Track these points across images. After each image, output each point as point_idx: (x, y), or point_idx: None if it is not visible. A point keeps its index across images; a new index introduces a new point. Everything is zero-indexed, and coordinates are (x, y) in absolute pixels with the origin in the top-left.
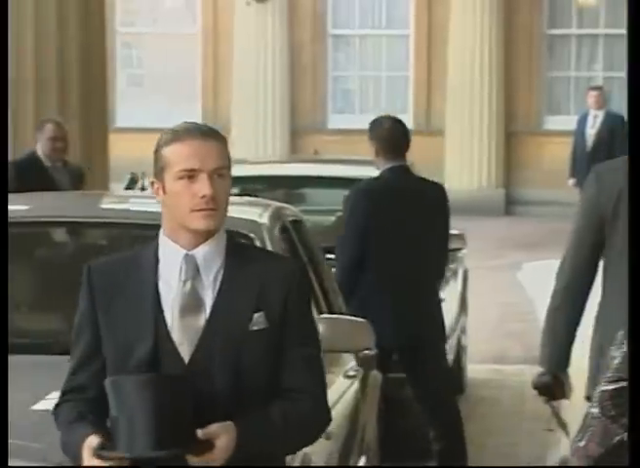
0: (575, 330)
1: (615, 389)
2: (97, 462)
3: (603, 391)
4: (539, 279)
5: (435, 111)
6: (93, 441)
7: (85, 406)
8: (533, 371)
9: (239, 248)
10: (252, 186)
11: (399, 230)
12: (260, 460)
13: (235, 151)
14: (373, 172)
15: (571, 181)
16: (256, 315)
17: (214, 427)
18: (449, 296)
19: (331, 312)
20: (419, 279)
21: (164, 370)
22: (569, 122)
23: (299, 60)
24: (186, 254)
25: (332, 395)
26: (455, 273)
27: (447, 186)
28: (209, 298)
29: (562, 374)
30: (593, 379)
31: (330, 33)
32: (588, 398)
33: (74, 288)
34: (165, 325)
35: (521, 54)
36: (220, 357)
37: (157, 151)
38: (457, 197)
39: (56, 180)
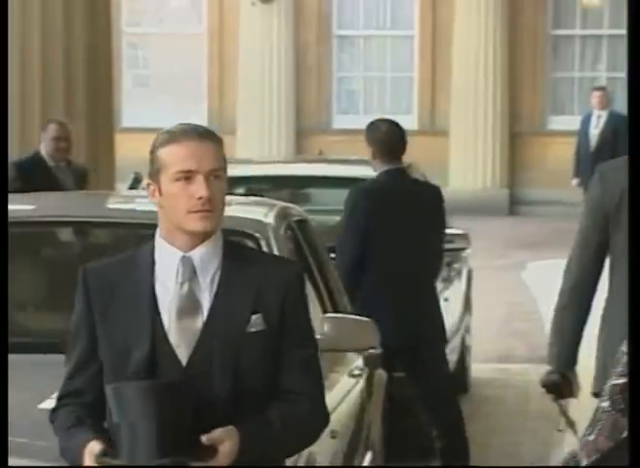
0: (582, 328)
1: (625, 383)
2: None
3: (614, 385)
4: (543, 278)
5: (440, 112)
6: (94, 447)
7: (83, 410)
8: (537, 371)
9: (235, 249)
10: (257, 186)
11: (398, 231)
12: (259, 463)
13: (241, 151)
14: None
15: (574, 181)
16: (253, 317)
17: (217, 432)
18: (453, 296)
19: (336, 311)
20: (418, 279)
21: (161, 372)
22: (573, 122)
23: (304, 61)
24: (183, 256)
25: (336, 394)
26: (459, 273)
27: (451, 186)
28: (206, 301)
29: (570, 373)
30: (600, 376)
31: (335, 34)
32: (596, 394)
33: None
34: (162, 327)
35: (525, 54)
36: (219, 359)
37: (153, 152)
38: (461, 197)
39: (59, 180)
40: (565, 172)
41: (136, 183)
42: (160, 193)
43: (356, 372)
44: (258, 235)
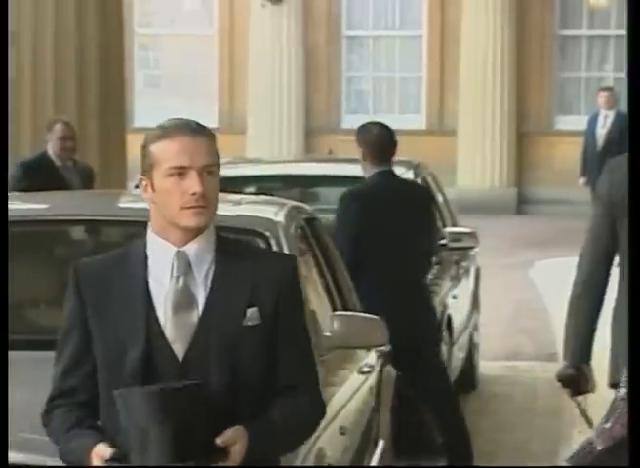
0: (596, 318)
1: None
2: None
3: None
4: (550, 277)
5: (448, 111)
6: (105, 450)
7: (78, 410)
8: (544, 368)
9: (228, 244)
10: (267, 185)
11: (389, 232)
12: (260, 461)
13: (251, 151)
14: None
15: (581, 180)
16: (249, 310)
17: (229, 433)
18: (461, 294)
19: (345, 309)
20: (411, 280)
21: (158, 368)
22: (580, 122)
23: (313, 62)
24: (178, 251)
25: (346, 391)
26: (467, 271)
27: (459, 185)
28: (201, 295)
29: (585, 367)
30: (615, 367)
31: (344, 35)
32: (612, 385)
33: None
34: (157, 322)
35: (533, 54)
36: (215, 353)
37: (145, 148)
38: (469, 196)
39: (66, 180)
40: (572, 171)
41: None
42: (153, 189)
43: (365, 369)
44: (268, 234)
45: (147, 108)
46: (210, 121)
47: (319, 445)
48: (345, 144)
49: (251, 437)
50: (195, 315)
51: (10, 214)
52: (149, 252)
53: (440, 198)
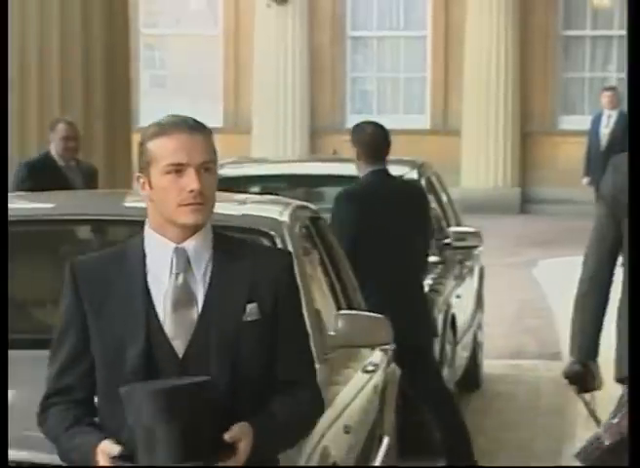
0: (602, 315)
1: None
2: None
3: None
4: (554, 276)
5: (452, 111)
6: (111, 447)
7: (76, 408)
8: (548, 367)
9: (225, 241)
10: (272, 185)
11: (389, 232)
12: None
13: (256, 151)
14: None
15: (585, 180)
16: (249, 306)
17: (236, 430)
18: (465, 293)
19: (350, 308)
20: (407, 280)
21: (158, 365)
22: (583, 122)
23: (318, 62)
24: (177, 247)
25: (350, 390)
26: (471, 270)
27: (463, 185)
28: (200, 292)
29: (592, 364)
30: (621, 363)
31: (348, 35)
32: (619, 380)
33: None
34: (157, 319)
35: (536, 54)
36: (216, 350)
37: (142, 145)
38: (473, 196)
39: (69, 179)
40: (576, 171)
41: None
42: (150, 186)
43: (370, 368)
44: (273, 233)
45: (153, 108)
46: (215, 121)
47: (324, 443)
48: (350, 145)
49: (255, 433)
50: (195, 312)
51: (16, 213)
52: (147, 249)
53: (444, 198)
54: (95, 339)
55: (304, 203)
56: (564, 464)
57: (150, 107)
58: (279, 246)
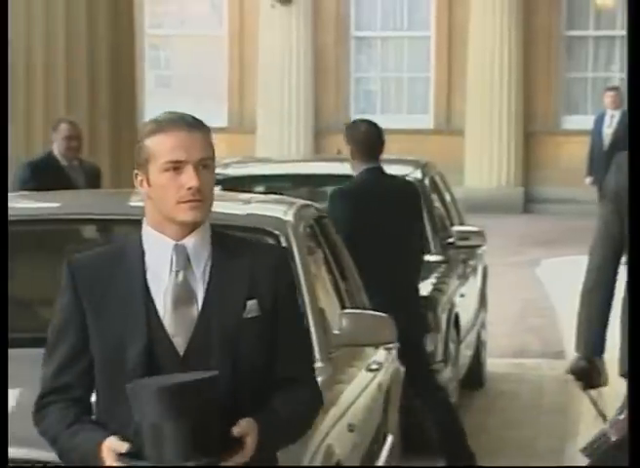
0: (608, 311)
1: None
2: None
3: None
4: (557, 275)
5: (455, 111)
6: (118, 444)
7: (76, 406)
8: (551, 366)
9: (223, 239)
10: (277, 185)
11: (384, 230)
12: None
13: (260, 151)
14: (393, 170)
15: (588, 180)
16: (249, 303)
17: (244, 424)
18: (469, 292)
19: (354, 307)
20: (406, 279)
21: (159, 364)
22: (586, 122)
23: (322, 62)
24: (176, 245)
25: (354, 388)
26: (474, 269)
27: (467, 185)
28: (200, 290)
29: (598, 360)
30: (624, 357)
31: (352, 35)
32: (623, 375)
33: None
34: (157, 316)
35: (540, 55)
36: (217, 347)
37: (140, 142)
38: (476, 195)
39: (72, 179)
40: (579, 170)
41: None
42: (148, 183)
43: (374, 367)
44: (277, 232)
45: (158, 108)
46: (220, 121)
47: (328, 442)
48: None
49: (259, 428)
50: (195, 309)
51: (21, 212)
52: (145, 246)
53: (448, 197)
54: (94, 337)
55: (309, 202)
56: (567, 463)
57: (155, 107)
58: (284, 245)
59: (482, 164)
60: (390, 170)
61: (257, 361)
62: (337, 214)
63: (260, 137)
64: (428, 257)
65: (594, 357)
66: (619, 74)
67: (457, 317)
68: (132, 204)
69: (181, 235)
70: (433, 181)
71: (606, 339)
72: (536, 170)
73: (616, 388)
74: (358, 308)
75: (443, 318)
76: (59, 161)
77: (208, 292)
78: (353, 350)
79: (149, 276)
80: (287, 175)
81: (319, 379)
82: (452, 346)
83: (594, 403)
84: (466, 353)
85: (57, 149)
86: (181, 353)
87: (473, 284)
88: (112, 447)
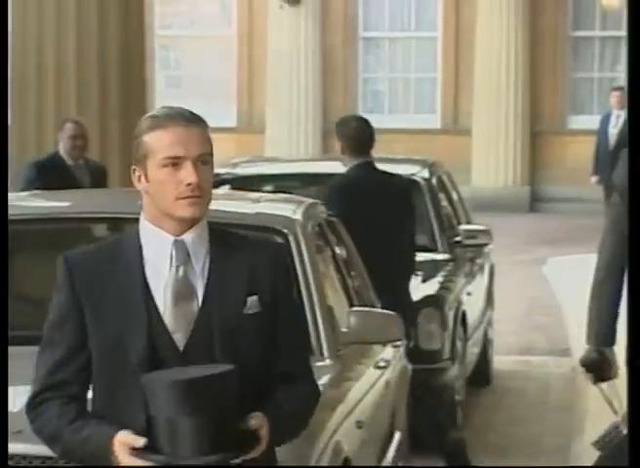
0: (619, 303)
1: None
2: (140, 462)
3: None
4: (563, 273)
5: (462, 111)
6: (134, 438)
7: (74, 403)
8: (557, 363)
9: (220, 235)
10: (285, 184)
11: (372, 225)
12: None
13: (269, 150)
14: (400, 169)
15: (594, 179)
16: (250, 299)
17: (258, 417)
18: (476, 291)
19: (362, 305)
20: (395, 280)
21: (160, 359)
22: (592, 121)
23: (330, 63)
24: (176, 240)
25: (363, 385)
26: (481, 268)
27: (474, 184)
28: (199, 285)
29: (608, 351)
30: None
31: (360, 36)
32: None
33: None
34: (157, 311)
35: (546, 55)
36: (217, 342)
37: (138, 138)
38: (483, 194)
39: (77, 178)
40: (584, 170)
41: None
42: (147, 179)
43: (381, 364)
44: (286, 231)
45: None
46: (229, 121)
47: (336, 438)
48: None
49: (270, 424)
50: (195, 305)
51: (33, 211)
52: (143, 241)
53: (455, 196)
54: (93, 334)
55: (317, 201)
56: (572, 460)
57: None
58: (292, 244)
59: (489, 163)
60: (398, 169)
61: (256, 356)
62: (330, 209)
63: (268, 137)
64: (435, 256)
65: (605, 348)
66: (624, 74)
67: (464, 315)
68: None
69: (180, 231)
70: (440, 181)
71: (617, 331)
72: (542, 169)
73: (626, 381)
74: (366, 306)
75: (450, 316)
76: (64, 160)
77: (208, 287)
78: (361, 347)
79: (148, 271)
80: (295, 174)
81: (327, 376)
82: (459, 344)
83: (605, 395)
84: (473, 351)
85: (62, 149)
86: (181, 348)
87: (480, 282)
88: (126, 440)
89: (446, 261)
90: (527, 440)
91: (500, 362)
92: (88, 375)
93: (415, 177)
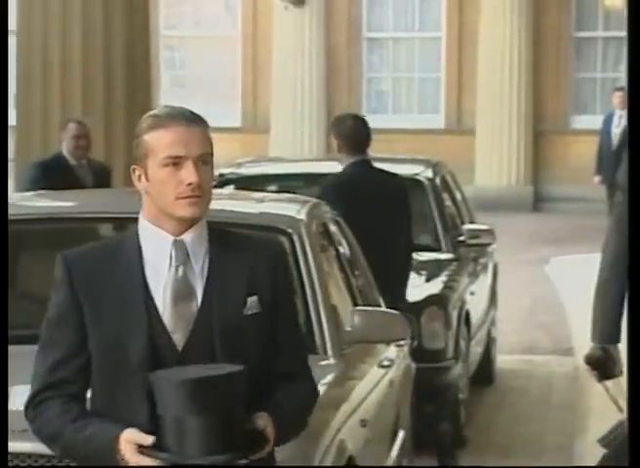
0: (623, 300)
1: None
2: (148, 461)
3: None
4: (566, 273)
5: (466, 111)
6: (141, 437)
7: (75, 402)
8: (560, 362)
9: (220, 234)
10: (290, 183)
11: (369, 223)
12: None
13: (273, 150)
14: (404, 169)
15: (596, 178)
16: (250, 299)
17: (264, 417)
18: (479, 290)
19: (366, 304)
20: (396, 276)
21: (160, 358)
22: (595, 121)
23: (334, 63)
24: (175, 240)
25: (367, 384)
26: (485, 267)
27: (477, 184)
28: (199, 286)
29: (613, 348)
30: None
31: (364, 36)
32: None
33: None
34: (156, 311)
35: (549, 55)
36: (217, 343)
37: (138, 137)
38: (486, 194)
39: (80, 178)
40: (587, 169)
41: None
42: (147, 179)
43: (385, 363)
44: (290, 231)
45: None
46: (234, 121)
47: (340, 437)
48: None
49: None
50: (194, 305)
51: (39, 211)
52: (142, 240)
53: (458, 196)
54: (92, 333)
55: (321, 201)
56: (575, 459)
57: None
58: (296, 243)
59: (492, 163)
60: (402, 169)
61: (256, 356)
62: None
63: (273, 137)
64: (439, 255)
65: (610, 345)
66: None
67: (467, 314)
68: None
69: (179, 231)
70: (444, 180)
71: (621, 329)
72: (545, 169)
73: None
74: (370, 305)
75: (454, 315)
76: (67, 160)
77: (207, 287)
78: (365, 347)
79: (148, 271)
80: (300, 174)
81: (332, 375)
82: (462, 343)
83: (610, 394)
84: (477, 350)
85: (65, 149)
86: (180, 348)
87: (483, 281)
88: (133, 439)
89: (449, 261)
90: (530, 439)
91: (503, 361)
92: (87, 375)
93: (418, 177)
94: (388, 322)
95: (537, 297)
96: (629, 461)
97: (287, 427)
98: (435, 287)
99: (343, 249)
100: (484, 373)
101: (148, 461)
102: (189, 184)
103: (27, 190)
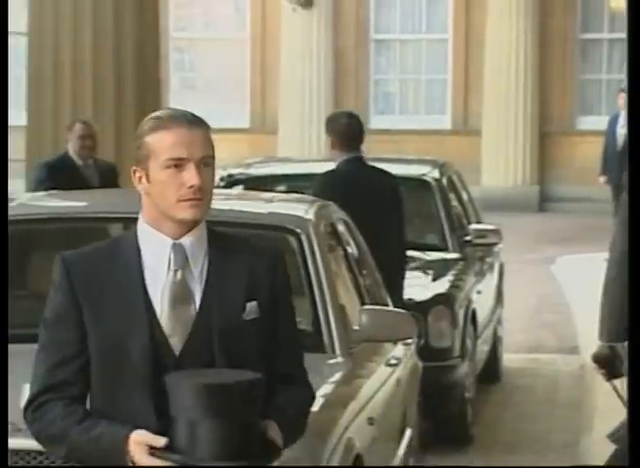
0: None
1: None
2: (158, 462)
3: None
4: (572, 272)
5: (472, 112)
6: (153, 438)
7: (77, 403)
8: (566, 361)
9: (219, 237)
10: (298, 184)
11: (362, 219)
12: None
13: (282, 151)
14: (411, 170)
15: (602, 179)
16: (249, 304)
17: (272, 425)
18: (485, 289)
19: (373, 304)
20: (392, 275)
21: (158, 361)
22: (600, 122)
23: (342, 64)
24: (174, 243)
25: (374, 383)
26: (491, 267)
27: (483, 184)
28: (197, 289)
29: (620, 348)
30: None
31: (372, 38)
32: None
33: None
34: (155, 315)
35: (555, 57)
36: (215, 347)
37: (140, 138)
38: (493, 194)
39: (86, 178)
40: (593, 170)
41: None
42: (148, 180)
43: (393, 362)
44: (298, 231)
45: (183, 109)
46: (242, 122)
47: (348, 435)
48: (373, 145)
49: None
50: (192, 309)
51: (49, 211)
52: (141, 243)
53: (465, 196)
54: (92, 334)
55: (329, 201)
56: (580, 457)
57: (180, 107)
58: (304, 243)
59: (498, 163)
60: (409, 169)
61: (254, 360)
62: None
63: (281, 138)
64: (446, 255)
65: (617, 343)
66: None
67: (474, 313)
68: None
69: (179, 233)
70: (451, 181)
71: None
72: (551, 169)
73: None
74: (378, 305)
75: (460, 314)
76: (74, 161)
77: (206, 291)
78: (373, 345)
79: (147, 274)
80: (308, 174)
81: (339, 374)
82: (469, 342)
83: (617, 392)
84: (483, 348)
85: (71, 149)
86: (177, 352)
87: (490, 281)
88: (144, 440)
89: (456, 260)
90: (535, 436)
91: (509, 359)
92: (87, 376)
93: (425, 178)
94: (396, 321)
95: (542, 296)
96: (629, 461)
97: (288, 433)
98: (442, 286)
99: (351, 248)
100: (490, 372)
101: (159, 463)
102: (191, 187)
103: (34, 190)
